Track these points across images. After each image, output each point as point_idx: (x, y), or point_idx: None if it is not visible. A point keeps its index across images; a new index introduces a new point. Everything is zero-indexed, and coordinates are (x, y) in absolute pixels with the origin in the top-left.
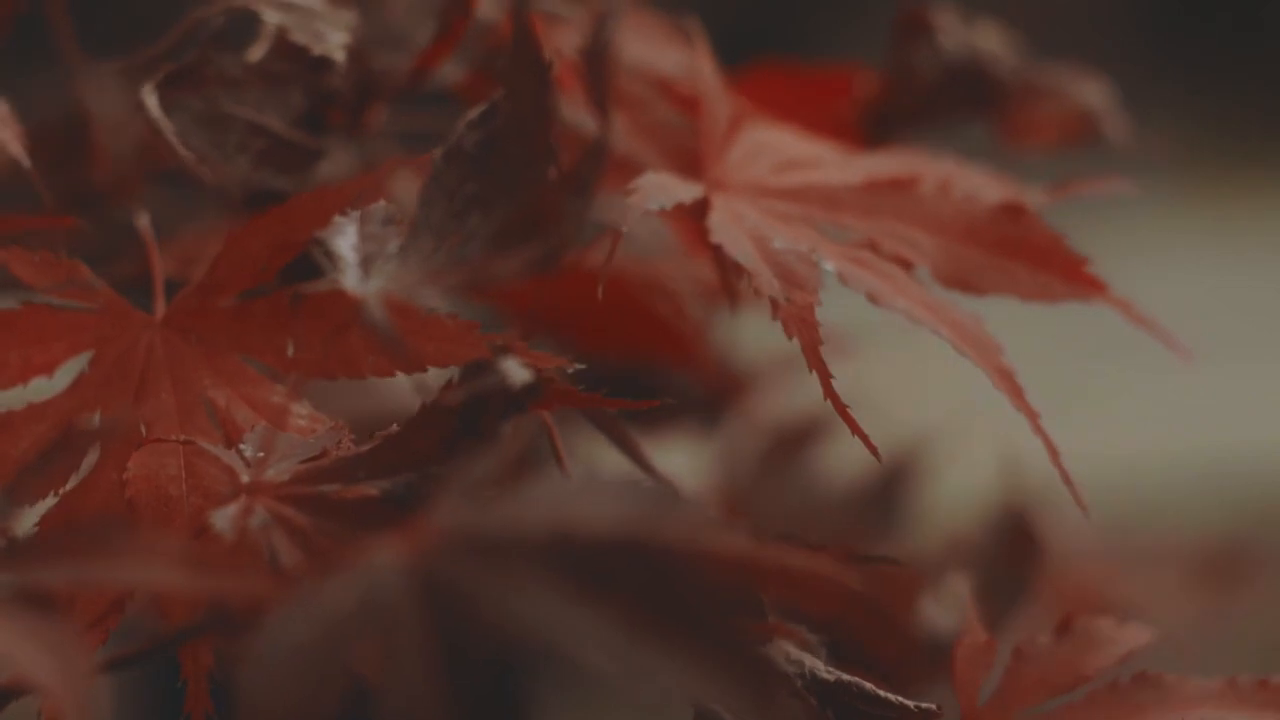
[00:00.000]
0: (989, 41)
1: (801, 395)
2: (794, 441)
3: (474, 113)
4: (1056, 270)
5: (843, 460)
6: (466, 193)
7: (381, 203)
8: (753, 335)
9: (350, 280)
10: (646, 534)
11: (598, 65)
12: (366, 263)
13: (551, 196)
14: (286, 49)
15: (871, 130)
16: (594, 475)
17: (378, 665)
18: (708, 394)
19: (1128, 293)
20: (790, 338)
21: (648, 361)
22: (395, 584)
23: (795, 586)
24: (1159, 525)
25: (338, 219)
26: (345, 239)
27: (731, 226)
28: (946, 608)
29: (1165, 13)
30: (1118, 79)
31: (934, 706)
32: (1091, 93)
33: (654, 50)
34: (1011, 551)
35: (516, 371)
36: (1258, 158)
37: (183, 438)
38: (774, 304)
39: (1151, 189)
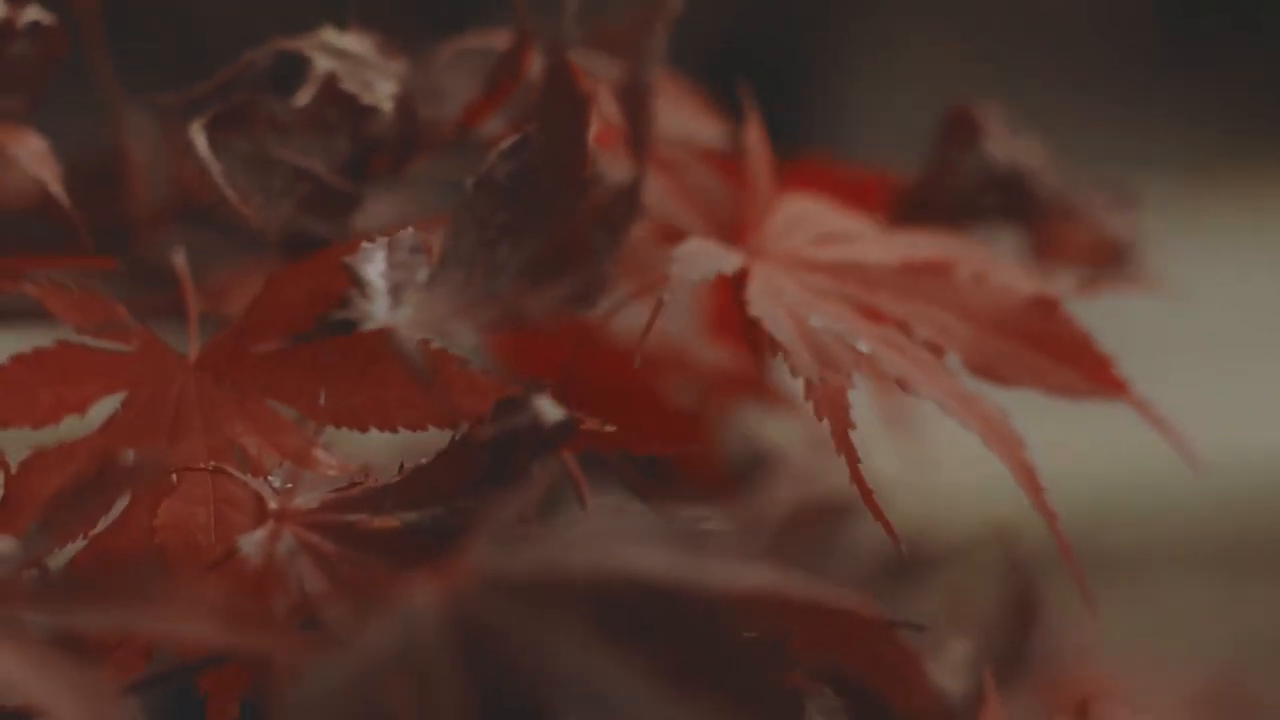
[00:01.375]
0: (1032, 156)
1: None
2: (810, 523)
3: (507, 143)
4: (1082, 368)
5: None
6: (497, 222)
7: (410, 230)
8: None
9: (379, 308)
10: (682, 577)
11: (635, 104)
12: (395, 291)
13: (583, 231)
14: (335, 96)
15: (903, 223)
16: (626, 514)
17: (413, 709)
18: (706, 488)
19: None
20: (820, 419)
21: (650, 448)
22: (431, 627)
23: (824, 624)
24: (1175, 526)
25: (366, 245)
26: (374, 266)
27: (770, 300)
28: (952, 671)
29: (1172, 12)
30: (1124, 79)
31: None
32: (1122, 223)
33: (694, 121)
34: (1013, 617)
35: (549, 410)
36: (1268, 157)
37: (212, 465)
38: (808, 384)
39: (1162, 188)
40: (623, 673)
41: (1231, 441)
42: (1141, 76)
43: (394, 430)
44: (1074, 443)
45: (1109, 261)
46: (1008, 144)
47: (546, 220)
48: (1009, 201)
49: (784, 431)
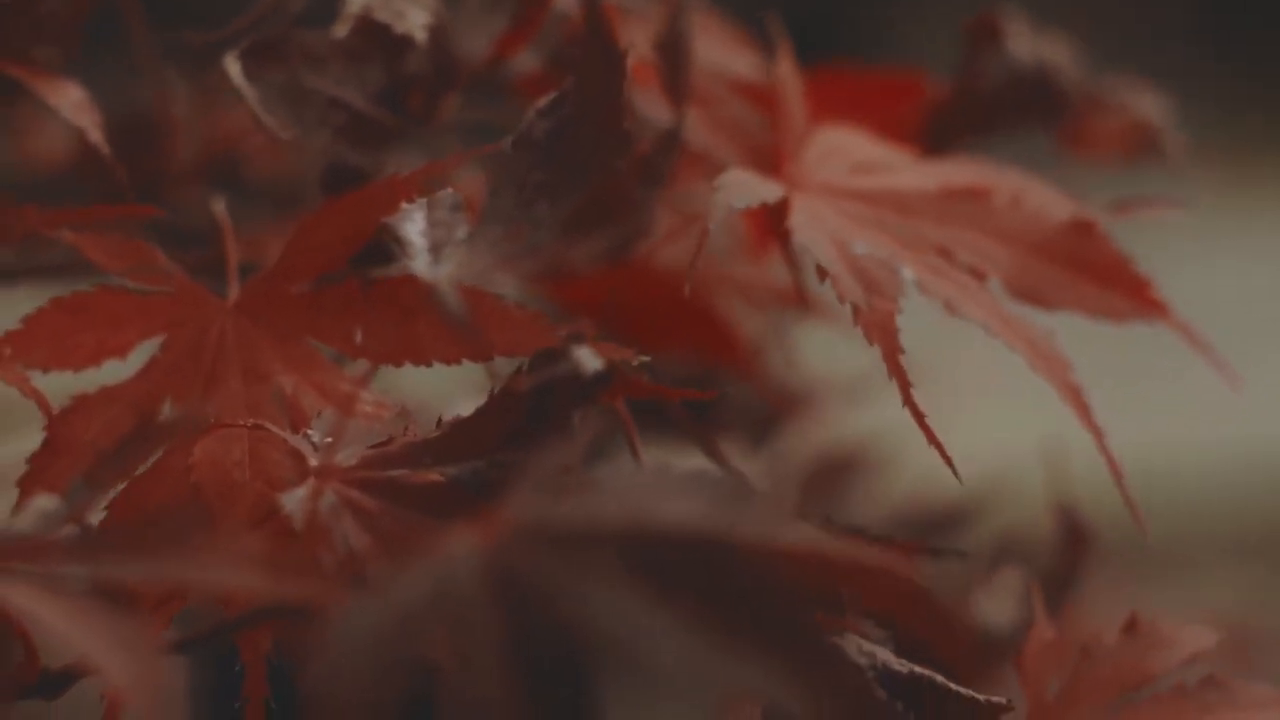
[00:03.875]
0: (1056, 52)
1: (857, 420)
2: (841, 467)
3: (544, 101)
4: (1122, 290)
5: (888, 489)
6: (534, 181)
7: (449, 190)
8: (815, 348)
9: (420, 266)
10: (721, 529)
11: (673, 53)
12: (436, 249)
13: (622, 185)
14: (369, 27)
15: (935, 135)
16: (668, 468)
17: (449, 657)
18: (761, 407)
19: (1164, 283)
20: (871, 344)
21: (705, 366)
22: (468, 576)
23: (865, 582)
24: (1213, 517)
25: (406, 206)
26: (414, 225)
27: (813, 228)
28: (1001, 602)
29: (1203, 5)
30: (1154, 68)
31: (1004, 700)
32: (1152, 107)
33: (727, 53)
34: (1061, 545)
35: (588, 359)
36: None
37: (250, 422)
38: (856, 310)
39: (1188, 182)
40: (657, 622)
41: (1270, 432)
42: (1178, 66)
43: (429, 365)
44: (1111, 435)
45: (1143, 147)
46: (1030, 42)
47: (583, 178)
48: (1037, 100)
49: (828, 349)
